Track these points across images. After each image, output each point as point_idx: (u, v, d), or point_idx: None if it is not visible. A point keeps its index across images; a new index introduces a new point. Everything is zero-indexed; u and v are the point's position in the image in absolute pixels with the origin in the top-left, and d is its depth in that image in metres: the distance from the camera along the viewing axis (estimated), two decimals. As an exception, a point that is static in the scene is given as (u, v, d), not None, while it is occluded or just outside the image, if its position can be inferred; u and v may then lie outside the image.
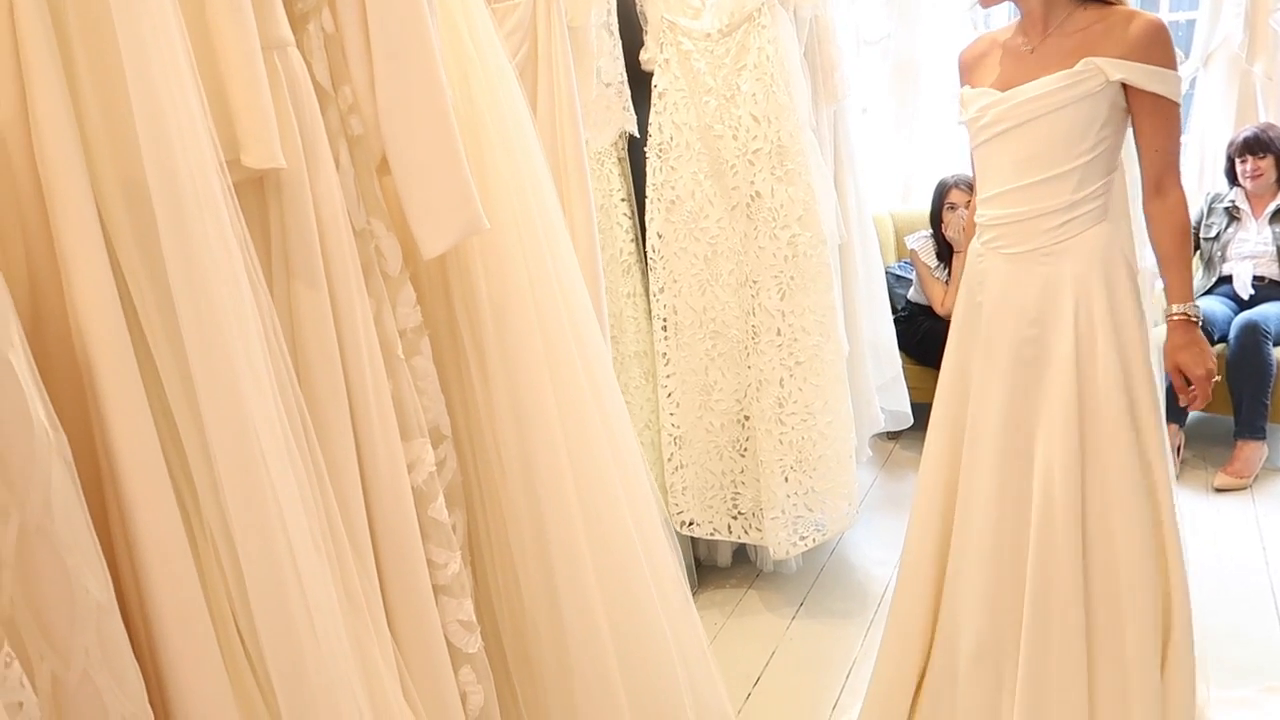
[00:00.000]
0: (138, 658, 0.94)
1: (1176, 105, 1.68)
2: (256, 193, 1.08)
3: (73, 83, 0.91)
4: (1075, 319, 1.68)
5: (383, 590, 1.18)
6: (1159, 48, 1.65)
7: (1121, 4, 1.67)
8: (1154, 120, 1.68)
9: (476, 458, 1.37)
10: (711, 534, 2.71)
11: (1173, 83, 1.67)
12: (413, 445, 1.22)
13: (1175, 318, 1.70)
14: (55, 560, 0.85)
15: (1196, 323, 1.69)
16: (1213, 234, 3.64)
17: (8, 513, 0.83)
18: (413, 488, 1.21)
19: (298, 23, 1.12)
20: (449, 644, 1.26)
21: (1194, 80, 4.40)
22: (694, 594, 2.73)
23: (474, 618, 1.30)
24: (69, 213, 0.90)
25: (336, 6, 1.14)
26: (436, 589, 1.25)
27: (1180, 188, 1.70)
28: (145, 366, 0.96)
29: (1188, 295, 1.70)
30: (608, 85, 2.33)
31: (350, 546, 1.13)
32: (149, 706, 0.94)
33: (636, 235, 2.68)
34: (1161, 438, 1.70)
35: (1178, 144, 1.70)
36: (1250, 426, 3.28)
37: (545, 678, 1.39)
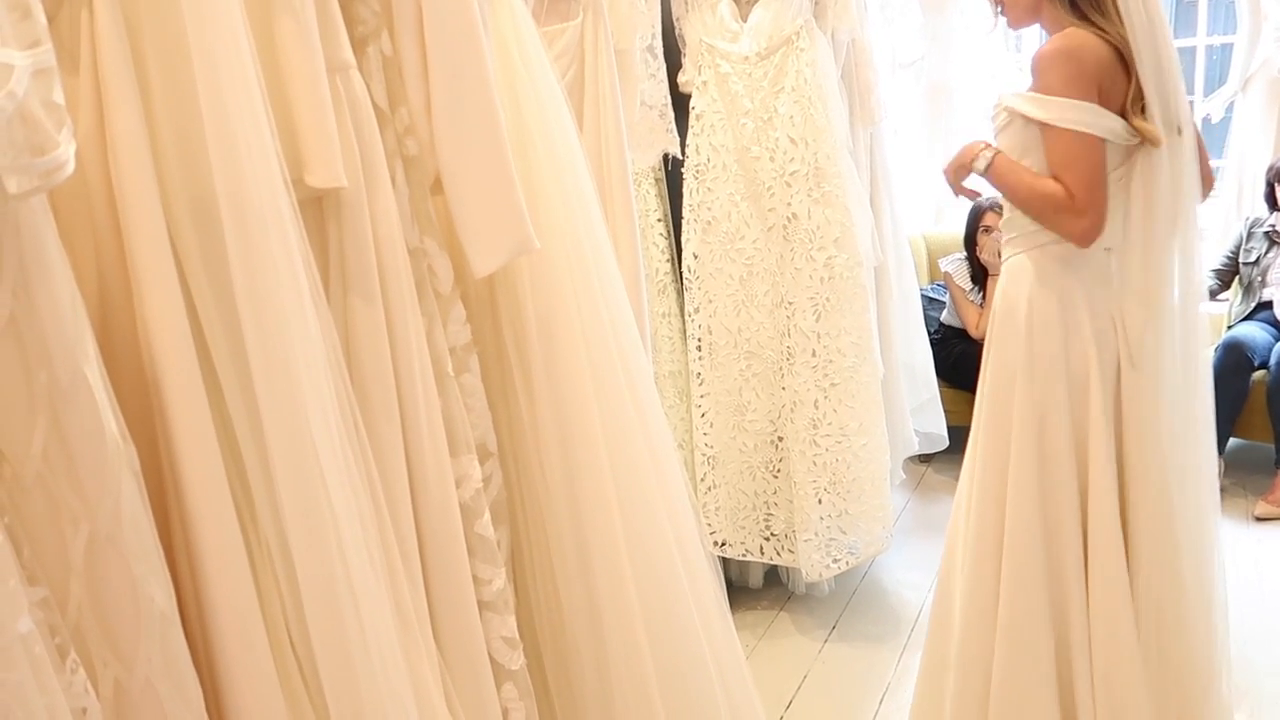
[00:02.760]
0: (195, 668, 0.96)
1: (1070, 132, 1.60)
2: (316, 211, 1.10)
3: (147, 103, 0.93)
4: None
5: (430, 605, 1.19)
6: (1044, 73, 1.62)
7: (1079, 24, 1.63)
8: (1050, 148, 1.63)
9: (521, 474, 1.38)
10: (743, 555, 2.70)
11: (1054, 108, 1.60)
12: (460, 462, 1.24)
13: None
14: (123, 569, 0.87)
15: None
16: (1252, 259, 3.60)
17: (78, 521, 0.85)
18: (460, 504, 1.22)
19: (358, 46, 1.14)
20: (492, 660, 1.27)
21: (1232, 104, 4.37)
22: (726, 615, 2.72)
23: (517, 634, 1.31)
24: (141, 229, 0.92)
25: (395, 30, 1.16)
26: (481, 605, 1.25)
27: (1092, 214, 1.62)
28: (209, 382, 0.98)
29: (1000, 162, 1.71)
30: (651, 107, 2.36)
31: (400, 561, 1.14)
32: (206, 716, 0.96)
33: (672, 255, 2.70)
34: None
35: (1083, 174, 1.60)
36: (1291, 455, 3.23)
37: (585, 696, 1.39)
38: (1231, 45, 4.42)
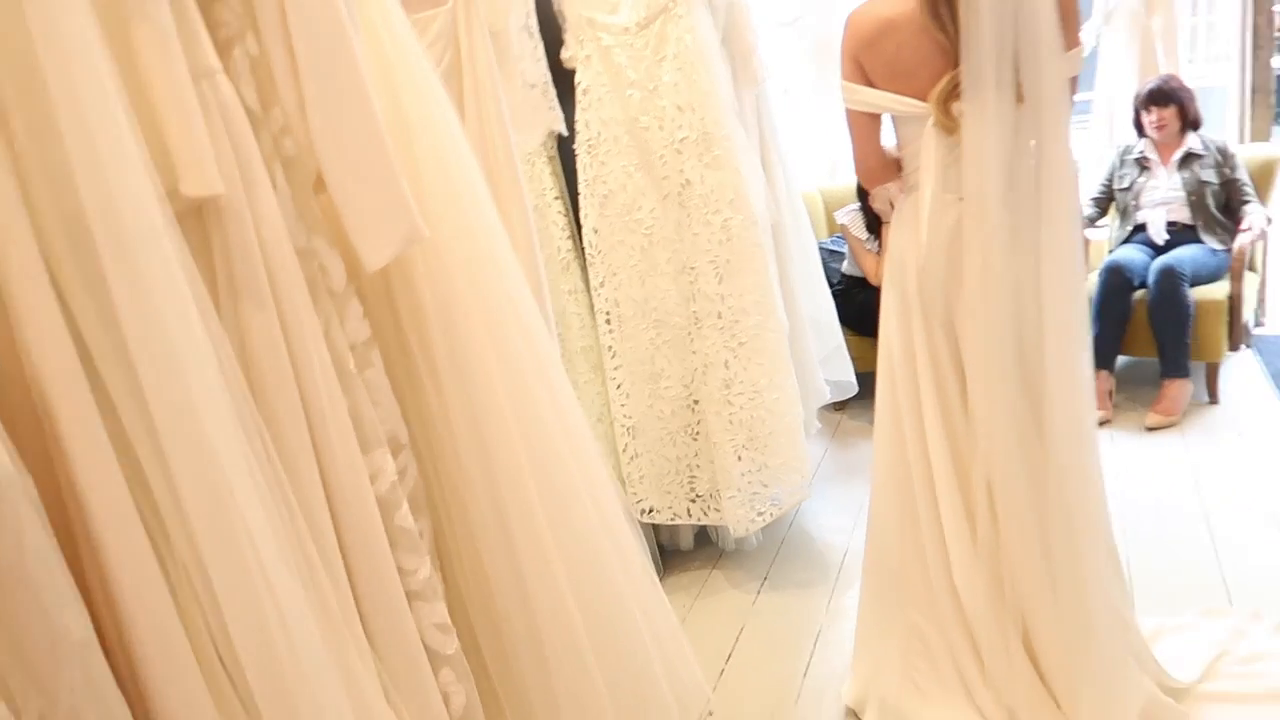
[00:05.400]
0: (122, 692, 0.95)
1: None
2: (197, 220, 1.08)
3: (5, 125, 0.91)
4: None
5: (357, 601, 1.20)
6: None
7: None
8: None
9: (436, 463, 1.39)
10: (672, 519, 2.75)
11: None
12: (373, 457, 1.24)
13: None
14: (33, 601, 0.86)
15: None
16: (1126, 185, 3.78)
17: (-21, 559, 0.84)
18: (377, 498, 1.23)
19: (223, 48, 1.12)
20: (427, 648, 1.28)
21: (1099, 38, 4.56)
22: (660, 579, 2.77)
23: (449, 620, 1.32)
24: (12, 256, 0.90)
25: (260, 30, 1.14)
26: (410, 595, 1.27)
27: (862, 174, 2.00)
28: (102, 403, 0.96)
29: None
30: (532, 86, 2.36)
31: (321, 561, 1.14)
32: (137, 738, 0.96)
33: (573, 232, 2.71)
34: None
35: (852, 143, 1.94)
36: (1175, 365, 3.42)
37: (523, 672, 1.42)
38: (1093, -19, 4.60)
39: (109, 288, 0.92)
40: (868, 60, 1.82)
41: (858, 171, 1.99)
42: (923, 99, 1.79)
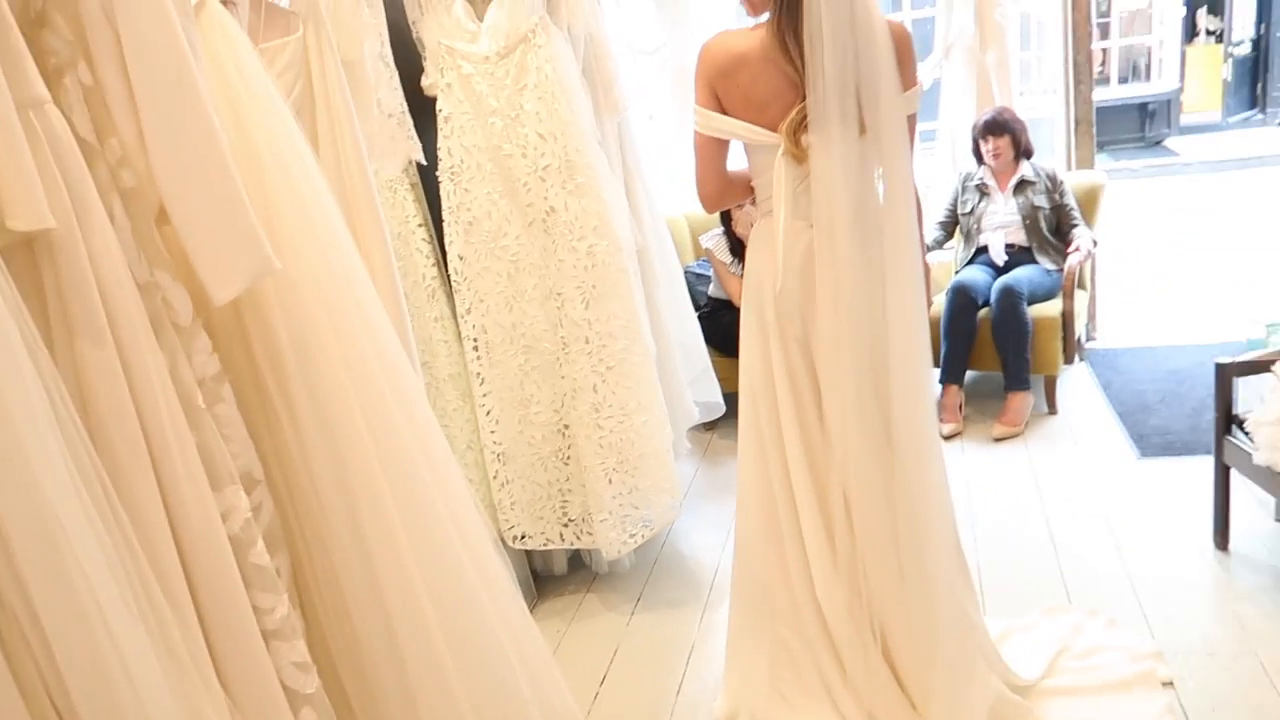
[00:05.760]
0: (-56, 754, 0.90)
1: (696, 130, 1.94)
2: (27, 255, 1.04)
3: None
4: None
5: (210, 642, 1.16)
6: None
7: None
8: None
9: (294, 498, 1.36)
10: (545, 544, 2.75)
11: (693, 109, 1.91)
12: (225, 494, 1.21)
13: None
14: None
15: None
16: (968, 210, 4.01)
17: None
18: (230, 536, 1.19)
19: (52, 77, 1.08)
20: (286, 688, 1.25)
21: (941, 70, 4.84)
22: (534, 605, 2.76)
23: (309, 658, 1.29)
24: None
25: (94, 59, 1.11)
26: (266, 634, 1.23)
27: (702, 198, 2.04)
28: (-81, 448, 0.91)
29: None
30: (389, 116, 2.34)
31: (169, 604, 1.10)
32: (-37, 802, 0.90)
33: (438, 259, 2.69)
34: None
35: (697, 164, 1.98)
36: (1017, 379, 3.65)
37: (389, 706, 1.40)
38: (933, 18, 4.88)
39: (-74, 328, 0.87)
40: (723, 90, 1.88)
41: (699, 194, 2.03)
42: (774, 129, 1.87)
